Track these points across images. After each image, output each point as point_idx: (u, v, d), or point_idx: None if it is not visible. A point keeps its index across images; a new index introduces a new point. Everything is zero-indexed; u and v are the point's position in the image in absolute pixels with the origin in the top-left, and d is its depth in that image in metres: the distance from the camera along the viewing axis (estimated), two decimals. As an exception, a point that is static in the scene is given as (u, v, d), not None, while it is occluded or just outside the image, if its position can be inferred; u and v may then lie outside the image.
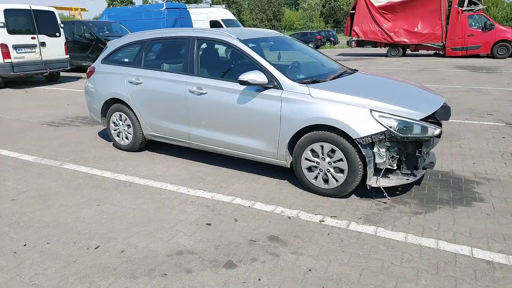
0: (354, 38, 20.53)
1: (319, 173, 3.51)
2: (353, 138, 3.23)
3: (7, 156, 4.78)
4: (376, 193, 3.53)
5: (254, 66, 3.73)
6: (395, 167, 3.38)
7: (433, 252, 2.64)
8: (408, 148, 3.33)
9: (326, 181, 3.50)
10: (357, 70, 4.57)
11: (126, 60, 4.76)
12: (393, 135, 3.18)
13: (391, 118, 3.20)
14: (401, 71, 13.48)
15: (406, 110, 3.27)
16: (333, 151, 3.38)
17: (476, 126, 5.88)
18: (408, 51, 20.11)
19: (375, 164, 3.34)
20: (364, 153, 3.23)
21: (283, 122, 3.55)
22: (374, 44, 20.36)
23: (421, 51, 20.12)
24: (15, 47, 9.95)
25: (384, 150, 3.27)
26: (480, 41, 17.51)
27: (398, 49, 19.57)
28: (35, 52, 10.40)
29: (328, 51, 26.77)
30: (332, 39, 33.15)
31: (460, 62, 15.85)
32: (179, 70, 4.25)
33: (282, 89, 3.58)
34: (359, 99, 3.33)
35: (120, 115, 4.76)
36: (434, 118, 3.40)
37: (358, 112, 3.26)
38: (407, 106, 3.32)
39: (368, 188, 3.38)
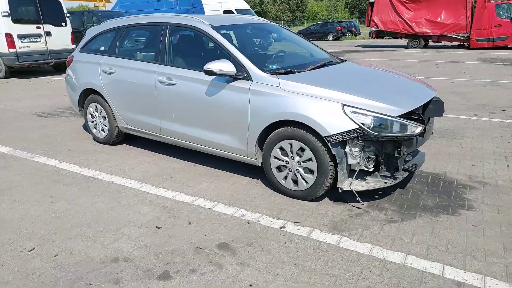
0: (373, 29, 19.76)
1: (288, 173, 3.21)
2: (322, 136, 2.90)
3: (-15, 147, 4.69)
4: (352, 196, 3.19)
5: (225, 54, 3.44)
6: (372, 169, 3.03)
7: (398, 269, 2.31)
8: (387, 148, 2.97)
9: (295, 182, 3.19)
10: (346, 60, 4.21)
11: (102, 48, 4.55)
12: (366, 133, 2.83)
13: (364, 114, 2.85)
14: (418, 63, 12.81)
15: (383, 105, 2.90)
16: (302, 149, 3.06)
17: (485, 123, 5.38)
18: (431, 43, 19.19)
19: (349, 165, 3.00)
20: (334, 153, 2.90)
21: (252, 116, 3.25)
22: (394, 35, 19.52)
23: (444, 43, 19.18)
24: (20, 36, 9.97)
25: (357, 150, 2.92)
26: (508, 31, 16.47)
27: (419, 40, 18.67)
28: (40, 41, 10.41)
29: (348, 43, 26.01)
30: (354, 30, 32.16)
31: (485, 54, 14.95)
32: (151, 59, 4.00)
33: (252, 80, 3.27)
34: (331, 92, 2.98)
35: (96, 107, 4.57)
36: (418, 115, 3.02)
37: (329, 107, 2.92)
38: (385, 101, 2.95)
39: (340, 191, 3.05)
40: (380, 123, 2.84)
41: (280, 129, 3.14)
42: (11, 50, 9.86)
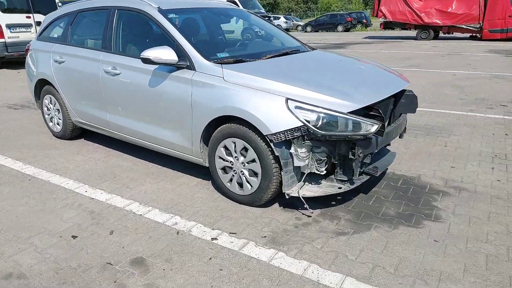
0: (381, 20, 19.05)
1: (233, 175, 2.85)
2: (264, 134, 2.52)
3: None
4: (306, 202, 2.83)
5: (169, 41, 3.07)
6: (324, 172, 2.64)
7: (330, 296, 1.94)
8: (340, 149, 2.58)
9: (241, 185, 2.83)
10: (316, 49, 3.80)
11: (56, 35, 4.24)
12: (312, 132, 2.44)
13: (310, 110, 2.46)
14: (424, 54, 12.21)
15: (333, 100, 2.50)
16: (246, 149, 2.70)
17: (479, 119, 4.90)
18: (441, 34, 18.39)
19: (297, 167, 2.62)
20: (277, 154, 2.52)
21: (194, 111, 2.89)
22: (403, 26, 18.80)
23: (455, 34, 18.37)
24: (9, 26, 9.75)
25: (304, 150, 2.54)
26: (522, 22, 15.64)
27: (428, 31, 17.90)
28: (30, 31, 10.18)
29: (357, 34, 25.28)
30: (365, 21, 31.27)
31: (496, 46, 14.20)
32: (98, 47, 3.66)
33: (195, 70, 2.90)
34: (276, 84, 2.59)
35: (51, 99, 4.27)
36: (377, 111, 2.62)
37: (272, 101, 2.54)
38: (337, 94, 2.54)
39: (287, 197, 2.67)
40: (328, 121, 2.44)
41: (223, 126, 2.78)
42: (0, 40, 9.67)
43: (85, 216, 2.74)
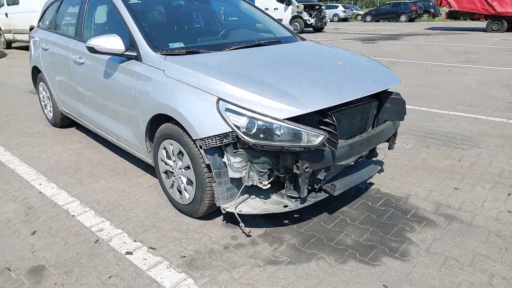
0: (445, 9, 17.34)
1: (174, 181, 2.54)
2: (193, 138, 2.18)
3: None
4: (252, 218, 2.45)
5: (123, 28, 2.81)
6: (267, 186, 2.23)
7: None
8: (286, 161, 2.15)
9: (180, 192, 2.52)
10: (305, 40, 3.33)
11: (47, 22, 4.19)
12: (242, 140, 2.05)
13: (241, 113, 2.06)
14: (488, 49, 10.82)
15: (271, 103, 2.04)
16: (181, 153, 2.37)
17: (520, 129, 4.08)
18: (517, 26, 16.30)
19: (235, 179, 2.24)
20: (208, 162, 2.16)
21: (139, 107, 2.62)
22: (471, 16, 16.94)
23: (535, 26, 16.16)
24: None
25: (240, 160, 2.15)
26: None
27: (501, 22, 15.96)
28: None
29: (420, 25, 23.42)
30: (432, 10, 28.87)
31: None
32: (72, 34, 3.53)
33: (141, 61, 2.62)
34: (212, 81, 2.20)
35: (43, 87, 4.27)
36: (331, 118, 2.12)
37: (204, 101, 2.17)
38: (279, 96, 2.08)
39: (224, 212, 2.30)
40: (260, 127, 2.02)
41: (162, 125, 2.47)
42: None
43: (21, 212, 2.61)
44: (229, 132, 2.05)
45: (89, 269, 2.04)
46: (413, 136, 3.92)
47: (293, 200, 2.27)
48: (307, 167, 2.10)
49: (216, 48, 2.77)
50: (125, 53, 2.63)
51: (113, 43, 2.60)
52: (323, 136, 2.02)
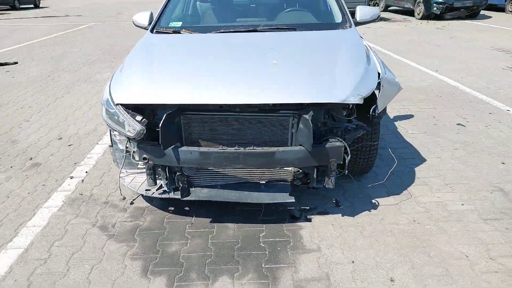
0: None
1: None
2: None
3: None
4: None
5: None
6: (137, 163, 2.41)
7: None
8: (132, 146, 2.30)
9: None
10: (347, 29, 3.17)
11: None
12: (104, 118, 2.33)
13: (105, 92, 2.38)
14: None
15: (129, 87, 2.28)
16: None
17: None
18: None
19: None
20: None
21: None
22: None
23: None
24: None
25: (118, 134, 2.32)
26: None
27: None
28: None
29: None
30: None
31: None
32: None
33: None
34: (126, 63, 2.56)
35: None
36: (170, 116, 2.10)
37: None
38: (141, 83, 2.27)
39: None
40: (107, 107, 2.26)
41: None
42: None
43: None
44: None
45: None
46: None
47: (156, 189, 2.37)
48: (145, 158, 2.17)
49: (205, 30, 2.77)
50: (145, 27, 3.26)
51: (141, 18, 3.30)
52: (138, 129, 2.08)
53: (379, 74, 2.38)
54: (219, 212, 2.47)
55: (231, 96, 2.08)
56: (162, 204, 2.57)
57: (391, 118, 4.13)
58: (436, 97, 4.77)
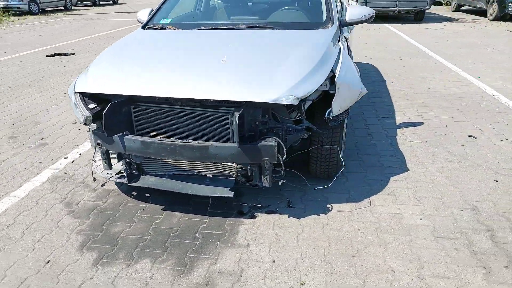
0: None
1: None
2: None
3: None
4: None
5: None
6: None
7: None
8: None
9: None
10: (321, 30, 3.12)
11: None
12: None
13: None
14: None
15: (93, 76, 2.51)
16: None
17: None
18: None
19: None
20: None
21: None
22: None
23: None
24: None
25: None
26: None
27: None
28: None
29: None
30: None
31: None
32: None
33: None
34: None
35: None
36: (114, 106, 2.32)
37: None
38: (101, 74, 2.50)
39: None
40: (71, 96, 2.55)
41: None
42: None
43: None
44: None
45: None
46: None
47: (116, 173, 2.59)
48: (98, 144, 2.38)
49: (188, 27, 2.95)
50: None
51: (144, 14, 3.50)
52: (85, 116, 2.26)
53: (334, 76, 2.32)
54: (174, 201, 2.60)
55: (174, 90, 2.18)
56: (127, 188, 2.76)
57: (397, 124, 3.92)
58: (461, 106, 4.41)
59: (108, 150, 2.40)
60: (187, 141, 2.19)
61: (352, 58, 3.05)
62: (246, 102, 2.12)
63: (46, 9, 18.45)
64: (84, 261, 2.08)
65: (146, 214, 2.49)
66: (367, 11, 3.09)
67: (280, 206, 2.55)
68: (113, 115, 2.23)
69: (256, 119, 2.19)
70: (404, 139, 3.55)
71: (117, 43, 2.85)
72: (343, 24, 3.07)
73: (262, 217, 2.44)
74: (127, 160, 2.42)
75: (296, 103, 2.06)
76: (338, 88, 2.30)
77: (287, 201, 2.59)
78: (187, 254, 2.13)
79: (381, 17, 12.85)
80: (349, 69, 2.47)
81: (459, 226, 2.31)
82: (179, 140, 2.20)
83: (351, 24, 3.09)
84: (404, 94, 4.89)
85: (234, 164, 2.32)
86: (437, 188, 2.73)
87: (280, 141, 2.16)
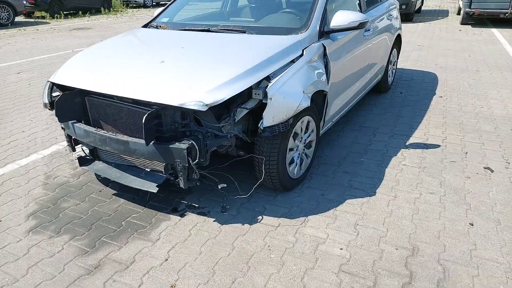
0: None
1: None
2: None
3: None
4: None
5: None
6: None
7: None
8: None
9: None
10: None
11: None
12: None
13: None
14: None
15: (66, 69, 2.76)
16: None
17: None
18: None
19: None
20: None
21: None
22: None
23: None
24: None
25: None
26: None
27: None
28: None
29: None
30: None
31: None
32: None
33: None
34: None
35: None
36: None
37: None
38: (72, 70, 2.71)
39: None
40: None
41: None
42: None
43: None
44: None
45: None
46: None
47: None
48: (62, 128, 2.72)
49: (179, 27, 3.15)
50: None
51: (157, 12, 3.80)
52: (44, 102, 2.69)
53: (267, 86, 2.25)
54: (128, 188, 2.81)
55: (113, 87, 2.37)
56: (101, 171, 3.08)
57: (407, 143, 3.51)
58: (507, 132, 3.74)
59: (69, 134, 2.72)
60: (114, 134, 2.38)
61: (329, 68, 2.86)
62: (155, 103, 2.21)
63: (161, 2, 20.35)
64: (23, 227, 2.43)
65: (97, 196, 2.76)
66: (356, 17, 2.84)
67: (214, 209, 2.58)
68: (66, 104, 2.52)
69: (175, 120, 2.26)
70: (400, 161, 3.19)
71: (104, 41, 3.15)
72: (326, 31, 2.89)
73: (190, 217, 2.51)
74: (81, 145, 2.72)
75: (203, 109, 2.07)
76: (270, 99, 2.23)
77: (221, 206, 2.60)
78: (101, 238, 2.32)
79: (491, 20, 11.24)
80: (291, 81, 2.36)
81: (377, 266, 2.05)
82: (110, 133, 2.39)
83: (335, 31, 2.88)
84: (444, 111, 4.32)
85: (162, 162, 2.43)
86: (389, 219, 2.44)
87: (195, 144, 2.19)
